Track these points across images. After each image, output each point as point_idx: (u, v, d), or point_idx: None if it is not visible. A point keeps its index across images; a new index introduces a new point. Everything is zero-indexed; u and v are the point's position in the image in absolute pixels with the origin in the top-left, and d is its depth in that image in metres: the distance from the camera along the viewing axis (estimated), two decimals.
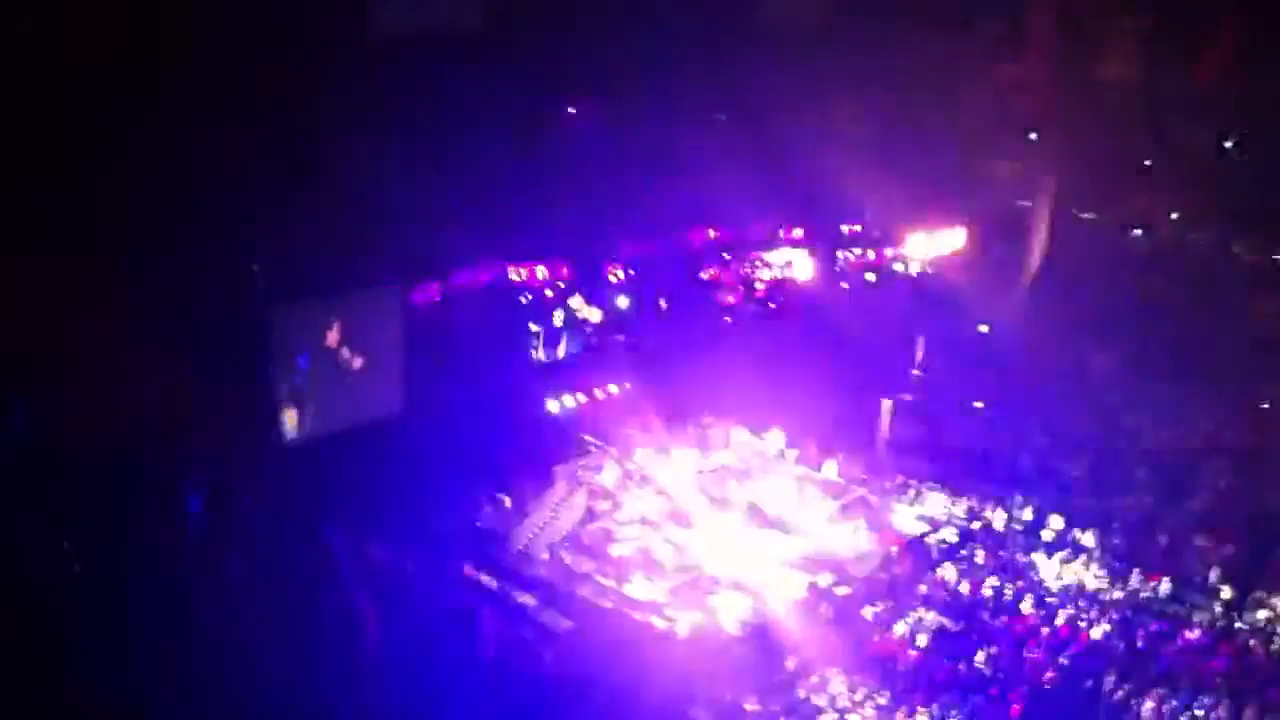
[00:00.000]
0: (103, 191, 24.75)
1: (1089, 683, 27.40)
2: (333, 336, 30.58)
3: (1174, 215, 46.34)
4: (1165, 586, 32.24)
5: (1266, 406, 40.42)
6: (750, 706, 25.62)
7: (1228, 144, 43.99)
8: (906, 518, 36.00)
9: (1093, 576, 32.85)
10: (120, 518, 24.98)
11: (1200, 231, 45.66)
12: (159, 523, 25.76)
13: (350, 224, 29.45)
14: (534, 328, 36.12)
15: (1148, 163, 44.16)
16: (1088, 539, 34.43)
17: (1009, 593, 31.41)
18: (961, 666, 27.87)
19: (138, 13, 24.31)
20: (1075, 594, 31.84)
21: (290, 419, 29.73)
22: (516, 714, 25.29)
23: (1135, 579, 32.49)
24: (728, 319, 38.67)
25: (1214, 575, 32.71)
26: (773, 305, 39.61)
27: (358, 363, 31.22)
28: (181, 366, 25.19)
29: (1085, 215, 45.85)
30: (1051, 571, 32.98)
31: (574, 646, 28.05)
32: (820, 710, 25.69)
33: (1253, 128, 41.61)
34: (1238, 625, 30.49)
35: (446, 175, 31.34)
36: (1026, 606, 30.71)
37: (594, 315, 37.07)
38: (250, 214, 27.30)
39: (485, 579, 30.94)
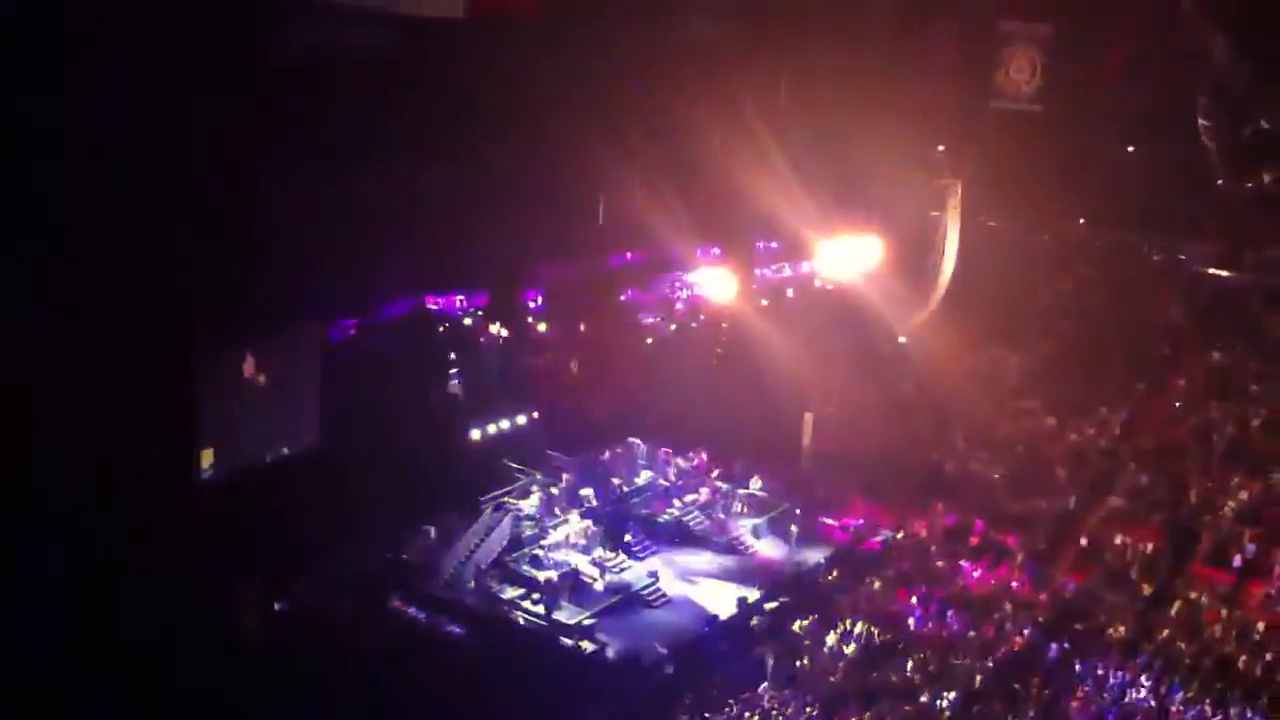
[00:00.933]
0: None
1: (1016, 686, 27.70)
2: (250, 373, 30.14)
3: (1081, 219, 47.15)
4: (1088, 586, 32.77)
5: (1179, 404, 41.19)
6: None
7: (1130, 149, 44.88)
8: (832, 529, 36.25)
9: (1016, 579, 33.26)
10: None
11: (1107, 233, 46.52)
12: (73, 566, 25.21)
13: (267, 260, 29.06)
14: (454, 357, 35.87)
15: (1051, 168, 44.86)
16: (1010, 542, 34.89)
17: (935, 600, 31.70)
18: (892, 675, 28.05)
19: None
20: (1000, 597, 32.20)
21: (208, 458, 29.25)
22: None
23: (1058, 579, 32.96)
24: (648, 340, 38.63)
25: (1134, 572, 33.29)
26: (693, 325, 39.65)
27: (277, 399, 30.80)
28: (97, 403, 24.73)
29: (993, 222, 46.48)
30: (975, 576, 33.34)
31: (502, 673, 27.86)
32: None
33: (1153, 132, 42.42)
34: (1160, 621, 30.98)
35: (362, 208, 31.06)
36: (953, 613, 30.99)
37: (514, 341, 36.90)
38: (170, 252, 26.85)
39: (412, 611, 30.67)
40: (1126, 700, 27.20)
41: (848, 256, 41.22)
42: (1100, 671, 28.42)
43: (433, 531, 32.91)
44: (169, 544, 26.80)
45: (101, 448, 25.35)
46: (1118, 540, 34.82)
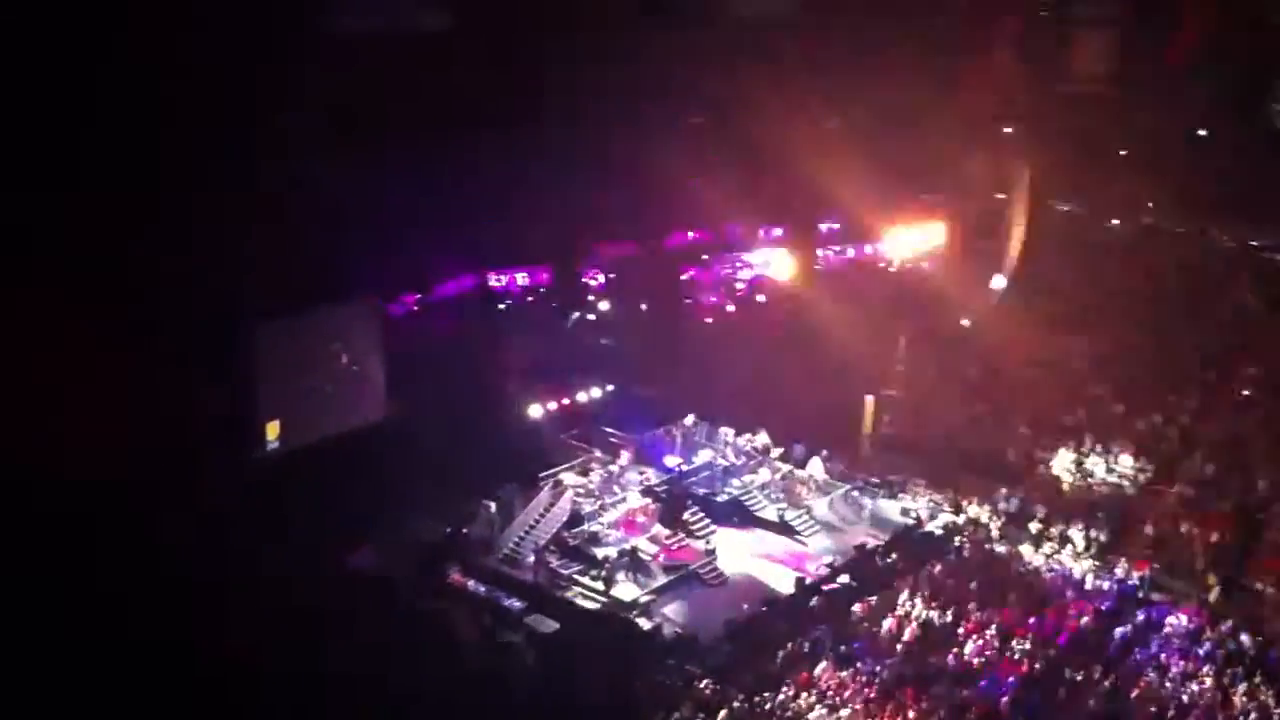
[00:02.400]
0: (82, 206, 24.63)
1: (1077, 673, 27.43)
2: (314, 350, 30.53)
3: (1150, 204, 46.38)
4: (1152, 574, 32.38)
5: (1248, 393, 40.46)
6: (738, 704, 25.52)
7: (1201, 132, 44.05)
8: (893, 512, 36.06)
9: (1079, 567, 32.93)
10: (97, 533, 24.83)
11: (1177, 220, 45.75)
12: (137, 540, 25.58)
13: (331, 236, 29.35)
14: (515, 334, 36.07)
15: (1123, 152, 44.17)
16: (1074, 529, 34.51)
17: (996, 585, 31.45)
18: (950, 659, 27.87)
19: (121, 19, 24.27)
20: (1062, 584, 31.91)
21: (273, 431, 29.66)
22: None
23: (1121, 568, 32.58)
24: (709, 320, 38.63)
25: (1200, 563, 32.81)
26: (754, 305, 39.57)
27: (340, 374, 31.17)
28: (163, 381, 25.10)
29: (1062, 206, 45.91)
30: (1038, 563, 33.04)
31: (560, 649, 28.04)
32: (809, 706, 25.61)
33: (1227, 115, 41.68)
34: (1224, 612, 30.51)
35: (424, 184, 31.25)
36: (1013, 598, 30.72)
37: (575, 319, 37.01)
38: (231, 229, 27.18)
39: (472, 585, 30.92)
40: (1188, 690, 26.81)
41: (913, 239, 40.93)
42: (1162, 660, 28.09)
43: (493, 506, 33.12)
44: (235, 515, 27.22)
45: (169, 420, 25.77)
46: (1183, 529, 34.31)
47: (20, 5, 23.79)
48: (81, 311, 23.40)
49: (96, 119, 24.46)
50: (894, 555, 33.36)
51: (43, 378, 23.48)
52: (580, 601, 30.66)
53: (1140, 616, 30.27)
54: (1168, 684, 27.02)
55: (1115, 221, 47.24)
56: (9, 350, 22.77)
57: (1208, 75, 41.04)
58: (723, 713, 25.06)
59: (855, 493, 36.44)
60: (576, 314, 35.71)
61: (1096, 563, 33.13)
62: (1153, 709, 26.01)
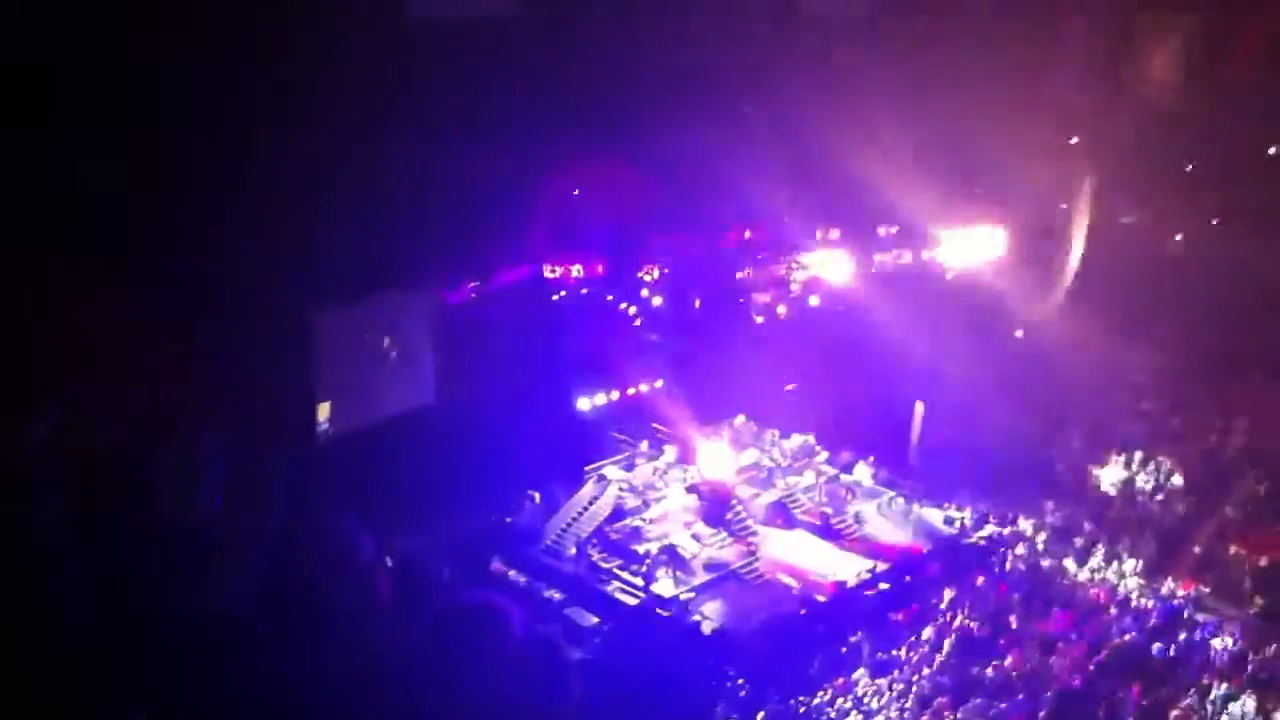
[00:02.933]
0: (146, 193, 25.03)
1: (1118, 691, 27.20)
2: (369, 336, 30.87)
3: (1214, 220, 45.74)
4: (1198, 595, 32.02)
5: None
6: (774, 705, 25.55)
7: (1271, 150, 43.41)
8: (937, 521, 35.86)
9: (1124, 584, 32.63)
10: (149, 515, 25.18)
11: (1241, 235, 45.04)
12: (185, 520, 25.93)
13: (386, 225, 29.65)
14: (567, 326, 36.28)
15: (1189, 167, 43.63)
16: (1121, 545, 34.21)
17: (1039, 598, 31.25)
18: (989, 671, 27.73)
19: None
20: (1106, 601, 31.64)
21: (325, 414, 30.01)
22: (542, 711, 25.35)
23: (1167, 587, 32.25)
24: (761, 319, 38.60)
25: (1247, 584, 32.40)
26: (807, 306, 39.51)
27: (393, 361, 31.50)
28: (222, 363, 25.44)
29: (1125, 219, 45.40)
30: (1082, 578, 32.77)
31: (600, 643, 28.14)
32: (845, 712, 25.61)
33: None
34: (1270, 636, 30.10)
35: (482, 176, 31.48)
36: (1056, 612, 30.52)
37: (628, 314, 37.16)
38: (291, 217, 27.52)
39: (513, 575, 31.13)
40: (1229, 713, 26.51)
41: (971, 245, 40.67)
42: (1205, 682, 27.79)
43: (537, 497, 33.33)
44: (284, 495, 27.54)
45: (222, 401, 26.12)
46: (1232, 550, 33.90)
47: None
48: (140, 297, 23.79)
49: (158, 113, 24.83)
50: (936, 564, 33.21)
51: (104, 359, 23.91)
52: (619, 596, 30.78)
53: (1183, 636, 29.94)
54: (1208, 705, 26.74)
55: (1178, 236, 46.64)
56: (74, 336, 23.24)
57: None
58: (760, 715, 25.09)
59: (900, 499, 36.28)
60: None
61: (1142, 580, 32.78)
62: None
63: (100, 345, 23.88)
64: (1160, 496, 37.09)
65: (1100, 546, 34.24)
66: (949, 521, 35.68)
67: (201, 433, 25.17)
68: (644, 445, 36.20)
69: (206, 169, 25.51)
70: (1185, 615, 31.11)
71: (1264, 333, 42.70)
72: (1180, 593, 32.00)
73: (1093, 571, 33.13)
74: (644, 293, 37.55)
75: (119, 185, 24.70)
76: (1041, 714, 25.94)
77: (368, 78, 28.00)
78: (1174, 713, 26.34)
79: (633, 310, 37.31)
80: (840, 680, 26.99)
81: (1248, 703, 26.64)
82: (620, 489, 33.90)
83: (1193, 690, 27.30)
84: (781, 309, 37.87)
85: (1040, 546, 34.58)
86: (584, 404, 35.90)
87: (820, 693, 26.37)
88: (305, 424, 29.56)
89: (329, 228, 28.34)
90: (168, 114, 25.08)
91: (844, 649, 28.42)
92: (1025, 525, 35.49)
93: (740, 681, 26.56)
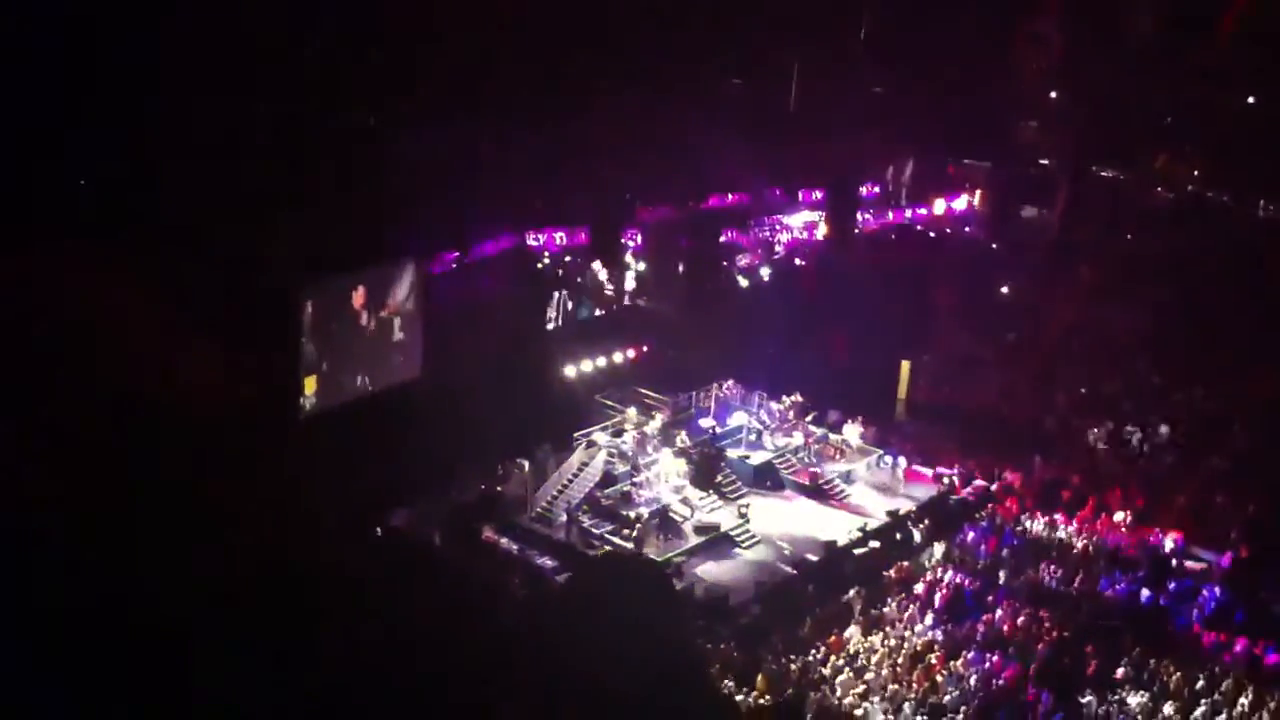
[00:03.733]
0: (128, 171, 24.93)
1: (1108, 642, 27.42)
2: (354, 308, 30.78)
3: (1196, 173, 45.83)
4: (1185, 546, 32.24)
5: None
6: (768, 666, 25.67)
7: (1250, 100, 43.46)
8: (926, 478, 36.01)
9: (1112, 536, 32.82)
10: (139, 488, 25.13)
11: (1223, 189, 45.18)
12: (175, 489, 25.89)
13: (372, 194, 29.54)
14: (552, 294, 36.22)
15: (1168, 120, 43.69)
16: (1109, 498, 34.40)
17: (1028, 553, 31.44)
18: (980, 627, 27.92)
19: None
20: (1095, 554, 31.84)
21: (310, 387, 29.96)
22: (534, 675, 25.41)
23: (1155, 538, 32.45)
24: (745, 283, 38.58)
25: (1234, 534, 32.61)
26: (792, 268, 39.51)
27: (378, 333, 31.44)
28: (205, 339, 25.34)
29: (1106, 173, 45.47)
30: (1071, 531, 32.95)
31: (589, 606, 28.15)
32: (838, 669, 25.73)
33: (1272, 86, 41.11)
34: (1257, 583, 30.36)
35: (464, 145, 31.36)
36: (1044, 566, 30.72)
37: (612, 280, 37.09)
38: (271, 191, 27.40)
39: (504, 543, 31.17)
40: (1219, 660, 26.78)
41: (951, 203, 40.70)
42: (1195, 631, 28.05)
43: (526, 465, 33.33)
44: (272, 471, 27.50)
45: (206, 376, 26.02)
46: (1218, 501, 34.13)
47: None
48: (125, 273, 23.69)
49: (141, 90, 24.70)
50: (926, 521, 33.36)
51: (92, 335, 23.84)
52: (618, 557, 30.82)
53: (1172, 586, 30.17)
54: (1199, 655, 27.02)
55: (1159, 190, 46.72)
56: (65, 317, 23.18)
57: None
58: (759, 676, 25.22)
59: (889, 458, 36.39)
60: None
61: (1130, 532, 32.97)
62: (1182, 677, 25.99)
63: (86, 325, 23.80)
64: (1147, 449, 37.19)
65: (1089, 499, 34.44)
66: (937, 478, 35.81)
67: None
68: (631, 411, 36.18)
69: (187, 142, 25.35)
70: (1174, 564, 31.37)
71: (1246, 289, 42.88)
72: (1169, 543, 32.18)
73: (1081, 524, 33.29)
74: (628, 258, 37.49)
75: (94, 163, 24.59)
76: (1033, 668, 26.16)
77: (350, 48, 27.85)
78: (1164, 661, 26.62)
79: (617, 277, 37.23)
80: (832, 639, 27.11)
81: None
82: (609, 455, 33.88)
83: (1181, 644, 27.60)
84: (766, 271, 37.78)
85: (1029, 501, 34.72)
86: (571, 371, 35.87)
87: (813, 651, 26.49)
88: (291, 397, 29.50)
89: (312, 202, 28.23)
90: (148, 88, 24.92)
91: (835, 608, 28.53)
92: (1014, 480, 35.62)
93: (733, 643, 26.69)
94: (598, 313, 36.98)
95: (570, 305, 36.49)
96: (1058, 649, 27.05)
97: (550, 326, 35.92)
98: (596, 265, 36.98)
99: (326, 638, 24.30)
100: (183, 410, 25.50)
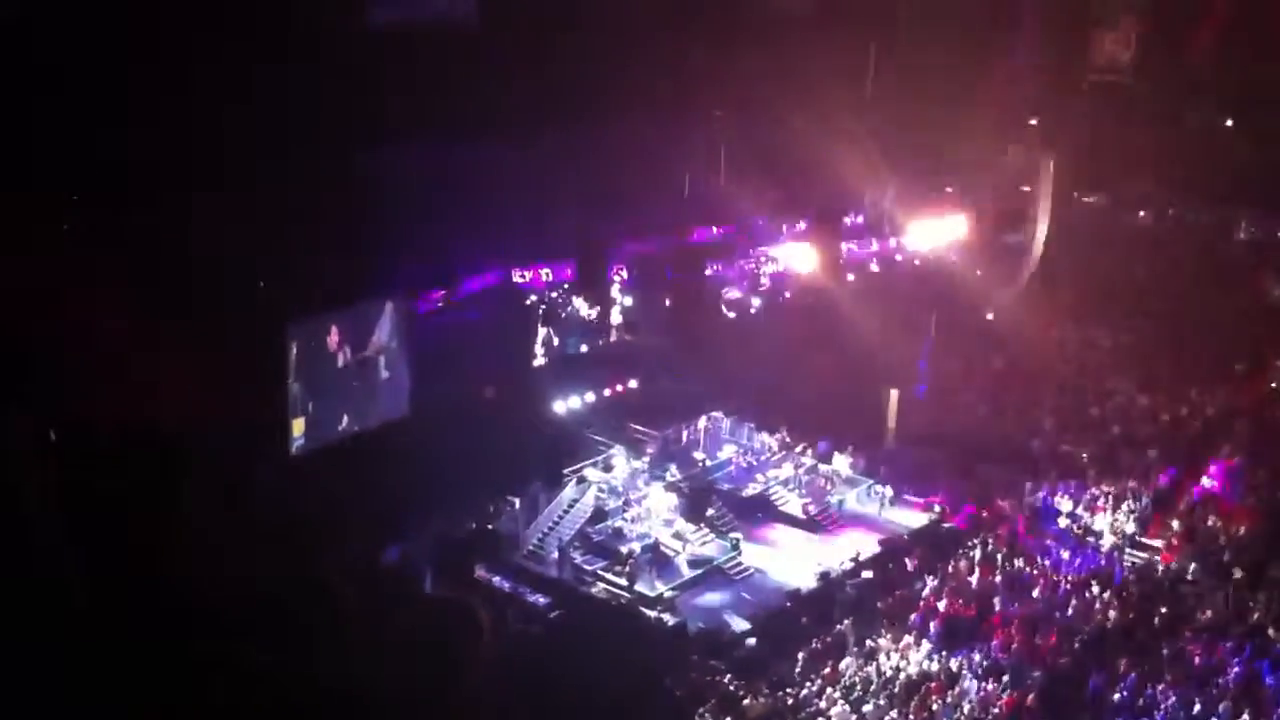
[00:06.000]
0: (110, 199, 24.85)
1: (1103, 667, 27.36)
2: (339, 345, 30.64)
3: (1175, 195, 46.15)
4: (1178, 568, 32.23)
5: (1276, 385, 40.23)
6: (759, 700, 25.57)
7: (1228, 123, 43.76)
8: (916, 506, 35.98)
9: (1105, 560, 32.82)
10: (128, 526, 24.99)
11: (1203, 212, 45.47)
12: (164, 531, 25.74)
13: (355, 233, 29.45)
14: (540, 329, 36.11)
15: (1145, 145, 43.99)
16: (1100, 522, 34.42)
17: (1022, 579, 31.40)
18: (975, 655, 27.85)
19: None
20: (1089, 577, 31.81)
21: (299, 428, 29.79)
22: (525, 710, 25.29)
23: (1148, 561, 32.47)
24: (733, 315, 38.51)
25: (1227, 556, 32.62)
26: (778, 300, 39.47)
27: (366, 370, 31.31)
28: (191, 377, 25.23)
29: (1088, 199, 45.70)
30: (1064, 556, 32.94)
31: (583, 644, 28.10)
32: (833, 702, 25.62)
33: (1252, 104, 41.42)
34: (1251, 605, 30.33)
35: (448, 182, 31.31)
36: (1039, 592, 30.68)
37: (599, 315, 37.01)
38: (255, 225, 27.30)
39: (496, 580, 31.05)
40: (1214, 682, 26.72)
41: (936, 231, 40.80)
42: (1189, 653, 27.99)
43: (517, 503, 33.23)
44: (261, 512, 27.35)
45: (194, 419, 25.88)
46: (1210, 522, 34.15)
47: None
48: (113, 306, 23.61)
49: (128, 118, 24.63)
50: (919, 549, 33.33)
51: (79, 371, 23.72)
52: (605, 598, 30.74)
53: (1165, 610, 30.13)
54: (1190, 679, 26.94)
55: (1140, 213, 47.00)
56: (56, 344, 23.09)
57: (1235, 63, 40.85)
58: (751, 707, 25.09)
59: (879, 487, 36.37)
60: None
61: (1123, 554, 32.99)
62: (1179, 701, 25.92)
63: (72, 356, 23.68)
64: (1138, 471, 37.23)
65: (1081, 524, 34.47)
66: (928, 507, 35.80)
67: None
68: (621, 447, 36.13)
69: (176, 177, 25.28)
70: (1167, 588, 31.36)
71: (1228, 309, 43.14)
72: (1161, 566, 32.20)
73: (1074, 549, 33.28)
74: (614, 293, 37.39)
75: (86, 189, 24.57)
76: (1030, 696, 26.08)
77: (333, 80, 27.78)
78: (1160, 685, 26.56)
79: (604, 311, 37.09)
80: (827, 670, 27.01)
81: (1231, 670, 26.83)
82: (600, 490, 33.83)
83: (1177, 662, 27.54)
84: (754, 302, 37.73)
85: (1020, 528, 34.72)
86: (560, 407, 35.78)
87: (809, 683, 26.38)
88: (280, 438, 29.33)
89: (298, 240, 28.13)
90: (140, 124, 24.84)
91: (829, 639, 28.44)
92: (1005, 506, 35.63)
93: (728, 676, 26.58)
94: (584, 349, 36.85)
95: (557, 341, 36.37)
96: (1053, 675, 26.99)
97: (538, 363, 35.81)
98: (581, 300, 36.91)
99: (320, 663, 24.26)
100: (171, 443, 25.41)
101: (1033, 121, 44.25)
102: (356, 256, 29.82)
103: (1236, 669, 27.02)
